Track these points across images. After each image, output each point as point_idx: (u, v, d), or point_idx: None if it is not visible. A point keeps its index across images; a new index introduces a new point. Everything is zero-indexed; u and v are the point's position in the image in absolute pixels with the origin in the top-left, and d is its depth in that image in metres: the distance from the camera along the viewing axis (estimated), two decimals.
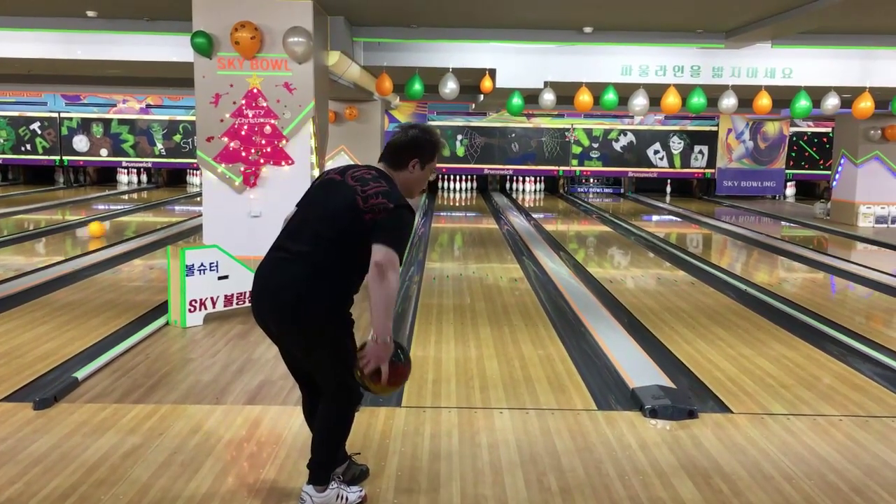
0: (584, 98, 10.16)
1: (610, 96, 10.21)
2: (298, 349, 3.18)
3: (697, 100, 10.11)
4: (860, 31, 9.25)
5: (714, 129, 21.15)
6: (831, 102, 10.31)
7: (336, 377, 3.14)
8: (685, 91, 10.20)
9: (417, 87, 10.02)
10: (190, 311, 6.29)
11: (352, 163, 3.30)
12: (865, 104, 10.16)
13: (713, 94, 10.44)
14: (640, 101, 10.18)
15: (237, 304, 6.62)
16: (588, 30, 9.10)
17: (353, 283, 3.10)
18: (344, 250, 3.01)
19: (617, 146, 21.40)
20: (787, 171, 21.61)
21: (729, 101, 10.24)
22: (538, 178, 21.96)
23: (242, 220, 7.10)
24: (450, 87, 9.83)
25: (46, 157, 20.95)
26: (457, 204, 19.06)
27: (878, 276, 9.32)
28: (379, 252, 2.90)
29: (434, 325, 6.55)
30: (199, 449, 3.88)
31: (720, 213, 17.56)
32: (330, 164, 12.58)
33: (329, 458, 3.24)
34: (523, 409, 4.55)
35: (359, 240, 2.97)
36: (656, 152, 21.44)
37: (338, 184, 3.11)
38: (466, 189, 21.75)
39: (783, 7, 7.66)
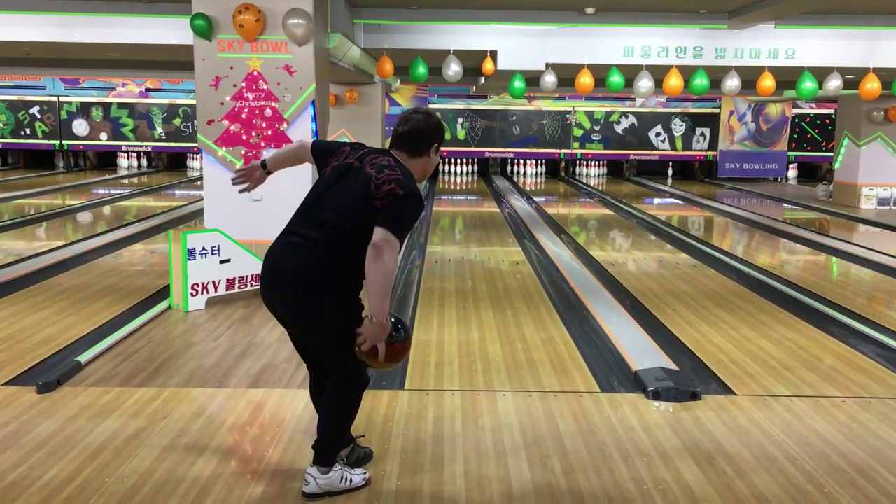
0: (586, 80, 10.09)
1: (615, 78, 10.14)
2: (306, 333, 3.18)
3: (700, 81, 10.05)
4: (864, 11, 9.18)
5: (716, 111, 21.05)
6: (833, 83, 10.25)
7: (343, 362, 3.14)
8: (687, 72, 10.14)
9: (421, 69, 9.95)
10: (192, 295, 6.28)
11: (369, 146, 3.27)
12: (872, 85, 10.09)
13: (716, 75, 10.38)
14: (645, 84, 10.11)
15: (239, 287, 6.61)
16: (590, 11, 9.03)
17: (363, 269, 3.07)
18: (354, 237, 2.99)
19: (618, 129, 21.31)
20: (790, 153, 21.52)
21: (732, 83, 10.18)
22: (539, 161, 21.88)
23: (244, 204, 7.04)
24: (453, 69, 9.76)
25: (46, 142, 20.87)
26: (458, 187, 19.02)
27: (880, 258, 9.30)
28: (378, 234, 2.91)
29: (436, 309, 6.54)
30: (202, 432, 3.89)
31: (722, 196, 17.52)
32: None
33: (334, 441, 3.24)
34: (526, 392, 4.55)
35: (368, 226, 2.96)
36: (658, 135, 21.35)
37: (356, 171, 3.10)
38: (467, 172, 21.68)
39: None
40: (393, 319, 3.06)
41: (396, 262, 2.99)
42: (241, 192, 3.60)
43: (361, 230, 2.98)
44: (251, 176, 3.54)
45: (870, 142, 15.02)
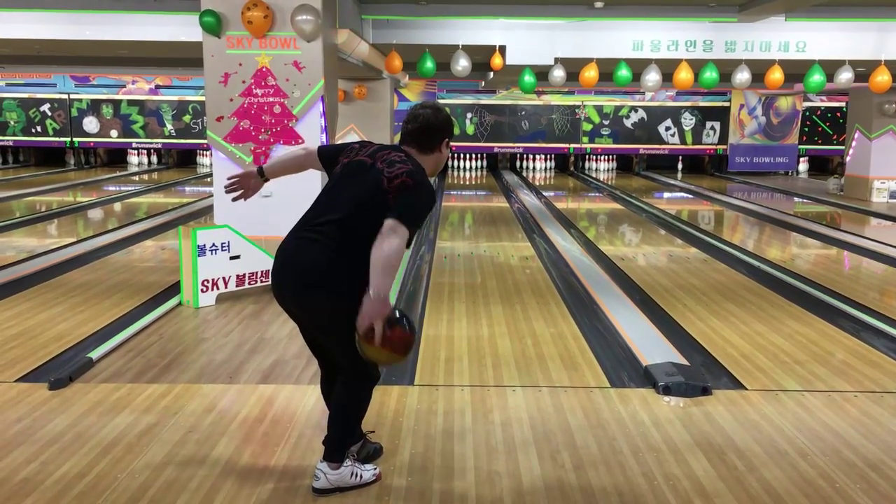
0: (591, 74, 10.06)
1: (623, 72, 10.10)
2: (318, 329, 3.19)
3: (710, 74, 9.99)
4: (875, 3, 9.11)
5: (726, 104, 20.96)
6: (845, 76, 10.18)
7: (354, 358, 3.12)
8: (697, 66, 10.09)
9: (429, 64, 9.95)
10: (202, 291, 6.30)
11: (381, 143, 3.25)
12: (883, 77, 10.02)
13: (726, 68, 10.32)
14: (652, 77, 10.07)
15: (249, 283, 6.63)
16: (599, 4, 9.00)
17: None
18: (366, 234, 2.97)
19: (628, 123, 21.25)
20: (800, 146, 21.41)
21: (742, 76, 10.12)
22: (548, 156, 21.85)
23: (253, 200, 6.92)
24: (462, 64, 9.75)
25: (57, 139, 20.98)
26: (467, 182, 19.00)
27: (891, 252, 9.24)
28: (386, 223, 2.89)
29: (446, 304, 6.54)
30: (213, 428, 3.90)
31: (732, 190, 17.44)
32: (351, 137, 12.58)
33: (344, 436, 3.24)
34: (536, 387, 4.55)
35: (380, 222, 2.95)
36: (668, 129, 21.28)
37: (368, 168, 3.10)
38: (476, 167, 21.67)
39: None
40: (398, 313, 2.99)
41: (402, 248, 2.89)
42: (234, 200, 3.53)
43: (373, 227, 2.96)
44: (245, 183, 3.48)
45: (881, 135, 14.92)
